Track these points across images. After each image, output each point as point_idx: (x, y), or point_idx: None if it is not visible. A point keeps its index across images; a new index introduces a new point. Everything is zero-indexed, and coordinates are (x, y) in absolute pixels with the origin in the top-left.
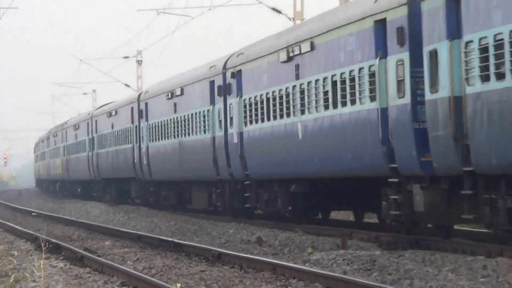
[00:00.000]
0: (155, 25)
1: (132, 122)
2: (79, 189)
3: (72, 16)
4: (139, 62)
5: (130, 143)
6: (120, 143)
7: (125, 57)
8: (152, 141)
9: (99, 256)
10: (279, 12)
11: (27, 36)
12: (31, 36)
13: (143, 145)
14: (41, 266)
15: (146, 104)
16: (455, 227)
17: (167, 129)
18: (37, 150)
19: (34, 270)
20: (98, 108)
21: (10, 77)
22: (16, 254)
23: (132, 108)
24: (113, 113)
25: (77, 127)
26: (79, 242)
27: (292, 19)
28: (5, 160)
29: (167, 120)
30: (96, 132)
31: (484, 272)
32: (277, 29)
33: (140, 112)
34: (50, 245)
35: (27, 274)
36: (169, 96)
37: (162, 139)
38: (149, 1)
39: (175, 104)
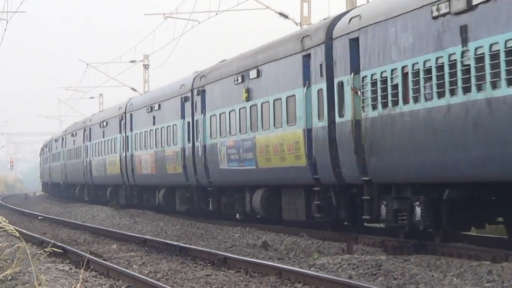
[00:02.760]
0: (162, 29)
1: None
2: (108, 195)
3: (79, 21)
4: (146, 66)
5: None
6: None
7: (132, 61)
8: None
9: (105, 260)
10: (286, 17)
11: (34, 40)
12: (38, 40)
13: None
14: (47, 269)
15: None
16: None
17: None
18: (46, 152)
19: (40, 274)
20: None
21: (16, 81)
22: (22, 257)
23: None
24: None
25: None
26: (85, 245)
27: (299, 24)
28: (11, 163)
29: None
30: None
31: (489, 277)
32: (284, 34)
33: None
34: (56, 249)
35: (33, 278)
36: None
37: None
38: (156, 6)
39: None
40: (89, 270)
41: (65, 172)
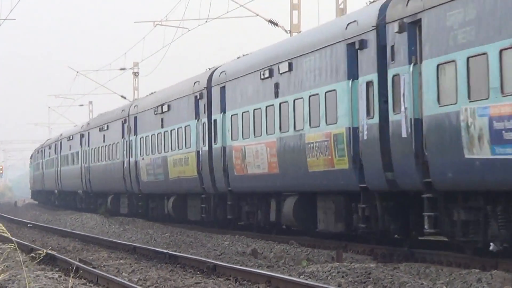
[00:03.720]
0: (152, 37)
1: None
2: (170, 207)
3: (69, 28)
4: (136, 74)
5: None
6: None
7: (121, 69)
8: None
9: (94, 267)
10: (276, 24)
11: (24, 47)
12: (28, 47)
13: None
14: (37, 277)
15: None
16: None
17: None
18: (48, 155)
19: (30, 281)
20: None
21: (6, 88)
22: (11, 265)
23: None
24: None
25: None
26: (74, 253)
27: (288, 32)
28: (0, 171)
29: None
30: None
31: (479, 285)
32: (274, 41)
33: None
34: (45, 256)
35: (22, 286)
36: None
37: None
38: (146, 13)
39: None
40: (78, 277)
41: (88, 178)
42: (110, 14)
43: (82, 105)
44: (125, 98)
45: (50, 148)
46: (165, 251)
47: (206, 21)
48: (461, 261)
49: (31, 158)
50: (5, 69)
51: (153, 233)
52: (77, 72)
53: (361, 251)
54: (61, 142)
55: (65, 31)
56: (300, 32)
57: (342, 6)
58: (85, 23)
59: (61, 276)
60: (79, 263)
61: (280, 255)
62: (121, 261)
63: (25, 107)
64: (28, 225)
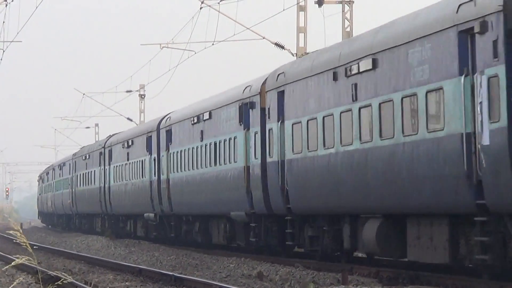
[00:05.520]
0: (158, 59)
1: None
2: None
3: (75, 50)
4: (142, 96)
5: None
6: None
7: (128, 91)
8: None
9: None
10: (282, 47)
11: (30, 69)
12: (34, 69)
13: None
14: None
15: None
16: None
17: None
18: (104, 162)
19: None
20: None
21: (12, 110)
22: (16, 287)
23: None
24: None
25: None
26: (80, 275)
27: (295, 55)
28: (6, 193)
29: None
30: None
31: None
32: (280, 64)
33: None
34: (51, 279)
35: None
36: None
37: None
38: (152, 36)
39: None
40: None
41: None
42: (116, 36)
43: (88, 127)
44: (131, 120)
45: (123, 149)
46: (171, 273)
47: (213, 44)
48: (466, 284)
49: (38, 180)
50: (11, 92)
51: (158, 256)
52: (83, 94)
53: (366, 273)
54: (132, 141)
55: (71, 53)
56: (307, 53)
57: (348, 29)
58: (91, 45)
59: None
60: (85, 286)
61: (285, 278)
62: (127, 283)
63: (31, 130)
64: (34, 247)
